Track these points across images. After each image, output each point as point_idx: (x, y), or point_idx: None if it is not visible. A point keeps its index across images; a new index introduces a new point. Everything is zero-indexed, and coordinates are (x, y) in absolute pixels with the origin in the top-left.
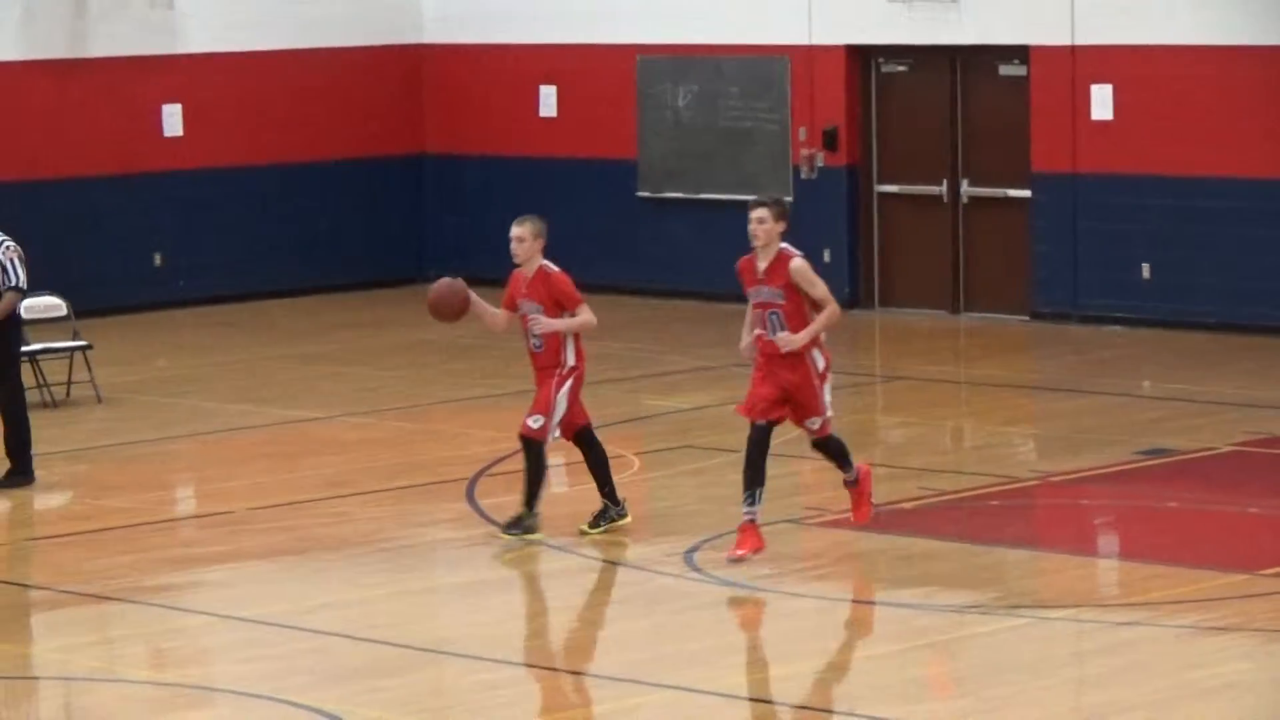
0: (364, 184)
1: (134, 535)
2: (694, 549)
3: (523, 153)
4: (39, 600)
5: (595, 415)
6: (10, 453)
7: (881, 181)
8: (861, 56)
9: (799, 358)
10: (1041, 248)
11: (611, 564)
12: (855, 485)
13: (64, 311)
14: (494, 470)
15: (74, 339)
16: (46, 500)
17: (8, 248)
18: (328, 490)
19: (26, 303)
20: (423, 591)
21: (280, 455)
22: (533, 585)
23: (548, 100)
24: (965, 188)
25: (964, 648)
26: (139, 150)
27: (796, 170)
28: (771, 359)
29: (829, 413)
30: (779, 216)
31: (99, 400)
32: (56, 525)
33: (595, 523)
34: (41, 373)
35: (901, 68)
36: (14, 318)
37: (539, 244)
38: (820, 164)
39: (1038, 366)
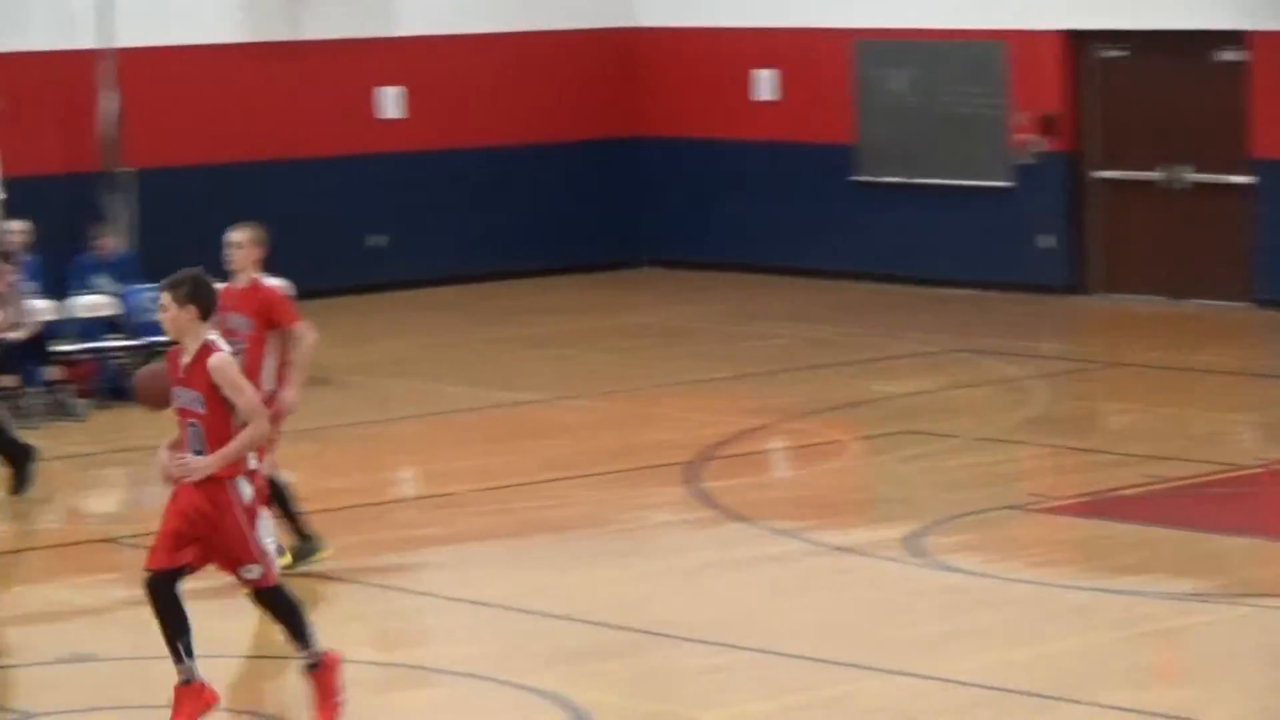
0: (579, 167)
1: (357, 516)
2: (915, 535)
3: (736, 136)
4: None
5: (816, 400)
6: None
7: (1100, 168)
8: (1079, 42)
9: (217, 485)
10: (1265, 234)
11: (834, 549)
12: (315, 671)
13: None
14: (716, 454)
15: None
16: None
17: None
18: (548, 473)
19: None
20: (644, 574)
21: (500, 437)
22: (753, 569)
23: (762, 84)
24: (1185, 174)
25: (1186, 636)
26: (356, 133)
27: (1014, 156)
28: (183, 485)
29: (271, 557)
30: (187, 300)
31: (320, 382)
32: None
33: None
34: None
35: (1119, 53)
36: None
37: (256, 253)
38: (1039, 150)
39: (1260, 353)
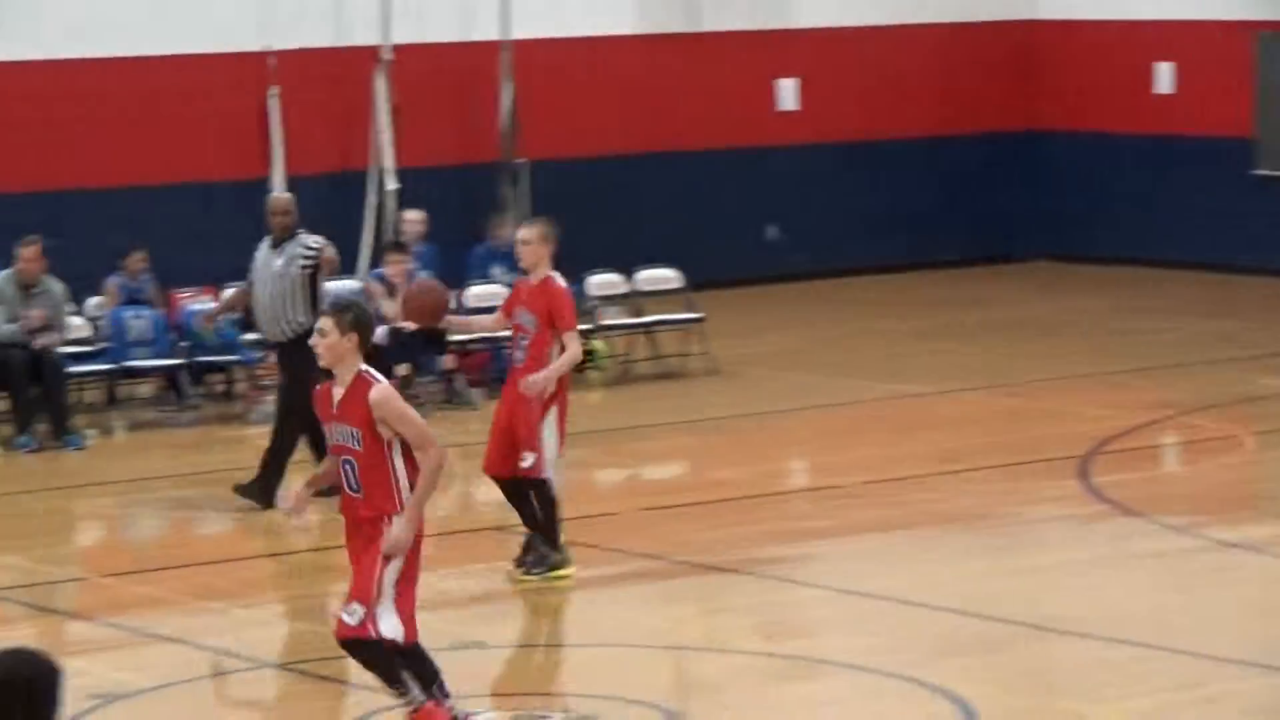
0: (974, 160)
1: (745, 507)
2: None
3: (1132, 130)
4: (651, 570)
5: (1209, 395)
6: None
7: None
8: None
9: (373, 522)
10: None
11: (1225, 545)
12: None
13: (680, 284)
14: (1107, 448)
15: (688, 311)
16: (659, 470)
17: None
18: (936, 466)
19: (644, 274)
20: (1033, 568)
21: (887, 429)
22: (1142, 564)
23: (1162, 77)
24: None
25: None
26: (752, 124)
27: None
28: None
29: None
30: (350, 328)
31: (711, 372)
32: (669, 496)
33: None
34: (656, 345)
35: None
36: None
37: (547, 249)
38: None
39: None
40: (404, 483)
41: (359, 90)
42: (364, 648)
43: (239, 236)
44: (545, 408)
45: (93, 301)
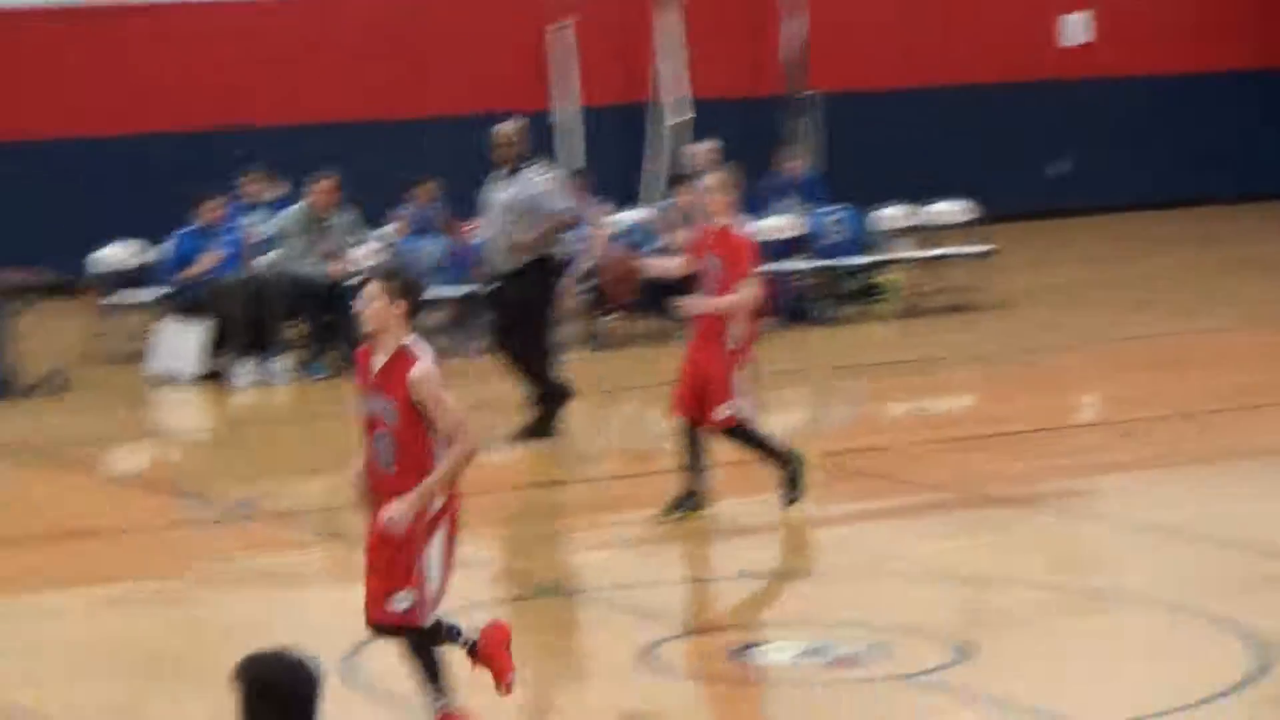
0: (1275, 95)
1: (1034, 440)
2: None
3: None
4: (939, 502)
5: None
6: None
7: None
8: None
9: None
10: None
11: None
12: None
13: (970, 216)
14: None
15: (978, 243)
16: (948, 403)
17: (546, 179)
18: (1222, 401)
19: (934, 207)
20: None
21: (1182, 364)
22: None
23: None
24: None
25: None
26: (1040, 58)
27: None
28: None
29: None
30: (399, 295)
31: (998, 305)
32: (958, 428)
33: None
34: (945, 277)
35: None
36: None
37: (728, 198)
38: None
39: None
40: (445, 452)
41: (643, 24)
42: (421, 636)
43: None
44: (735, 360)
45: (385, 230)
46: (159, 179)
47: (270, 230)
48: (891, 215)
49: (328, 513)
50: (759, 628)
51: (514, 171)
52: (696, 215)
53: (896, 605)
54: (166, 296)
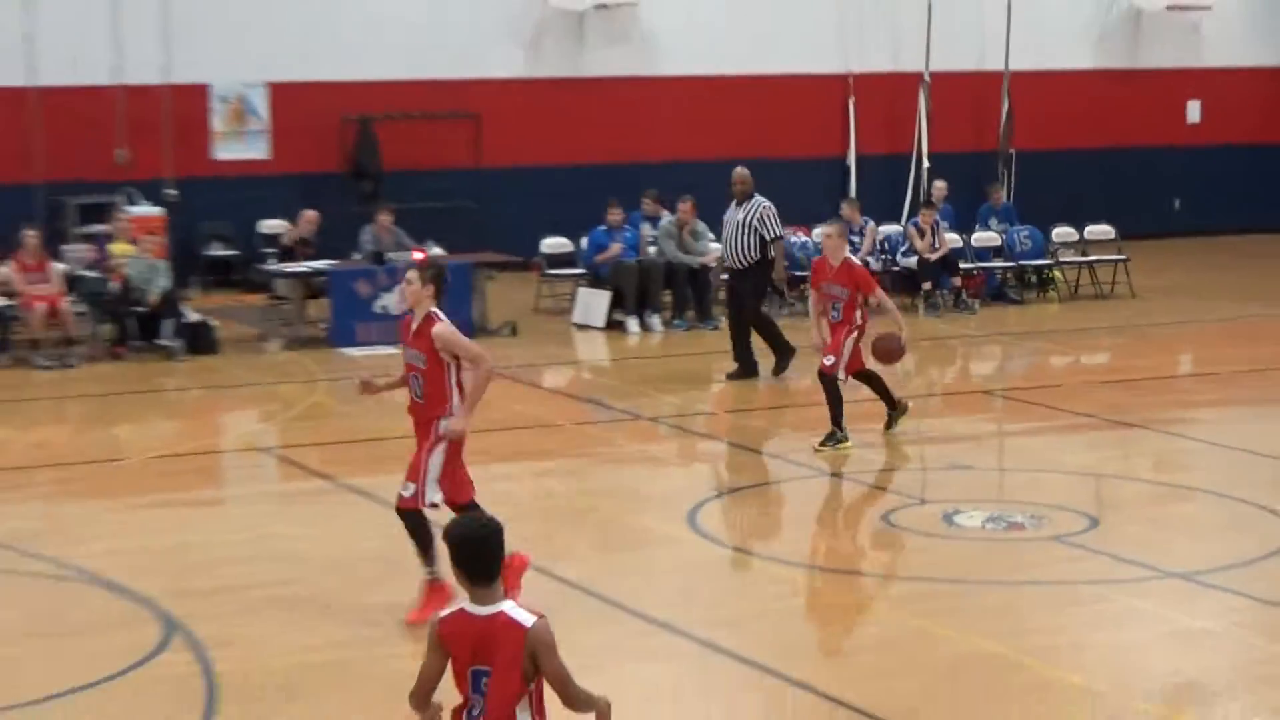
0: None
1: (1150, 384)
2: None
3: None
4: (1084, 424)
5: None
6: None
7: None
8: None
9: (429, 424)
10: None
11: None
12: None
13: (1113, 236)
14: None
15: (1119, 254)
16: (1095, 358)
17: (763, 208)
18: None
19: (1089, 228)
20: None
21: (1252, 337)
22: None
23: None
24: None
25: None
26: (1163, 130)
27: None
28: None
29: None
30: (429, 281)
31: (1132, 295)
32: (1099, 375)
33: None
34: (1095, 275)
35: None
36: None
37: (843, 242)
38: None
39: None
40: (454, 395)
41: (909, 100)
42: (412, 516)
43: (818, 193)
44: (848, 332)
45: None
46: (585, 194)
47: (653, 233)
48: (1061, 232)
49: (681, 417)
50: (960, 502)
51: (743, 201)
52: (934, 231)
53: (1051, 491)
54: (584, 273)
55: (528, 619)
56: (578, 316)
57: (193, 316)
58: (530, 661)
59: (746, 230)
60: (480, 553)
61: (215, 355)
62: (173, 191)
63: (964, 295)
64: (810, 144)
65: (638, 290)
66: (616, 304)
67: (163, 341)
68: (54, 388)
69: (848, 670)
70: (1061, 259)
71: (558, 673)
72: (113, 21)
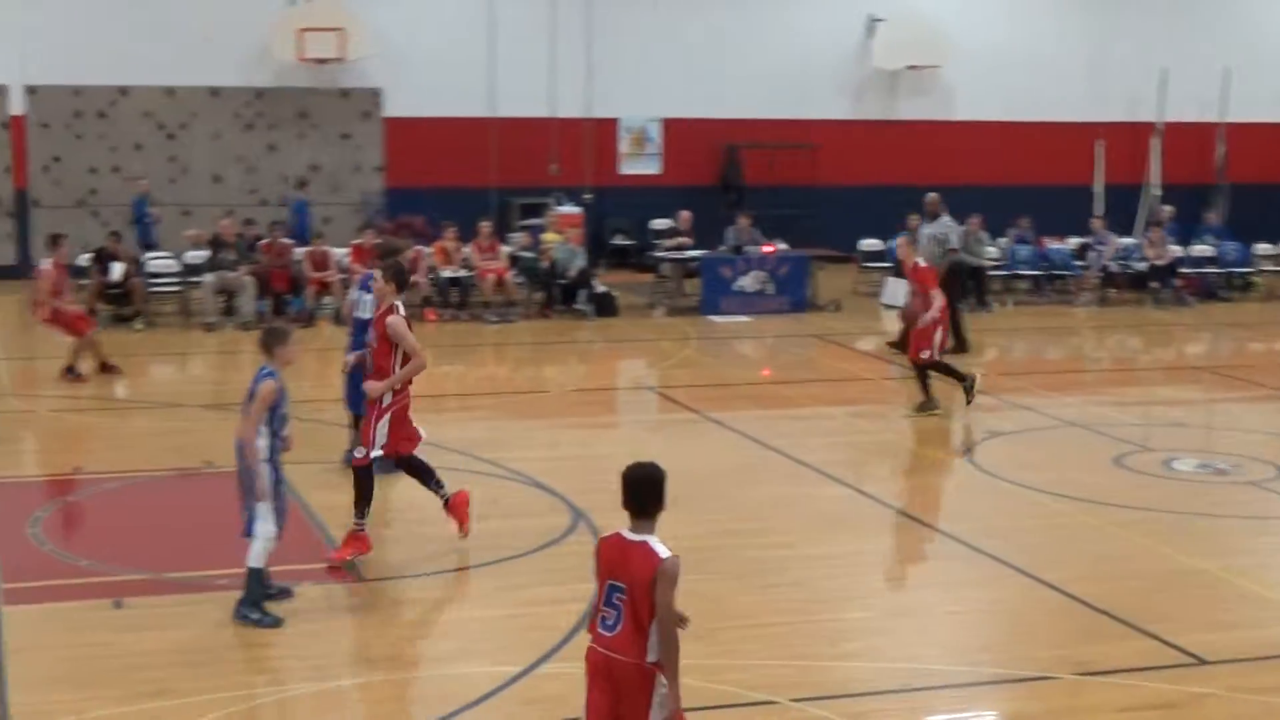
0: None
1: None
2: None
3: None
4: (1271, 395)
5: None
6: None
7: None
8: None
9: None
10: None
11: None
12: (450, 505)
13: None
14: None
15: None
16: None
17: (948, 225)
18: None
19: None
20: None
21: None
22: None
23: None
24: None
25: None
26: None
27: None
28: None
29: (373, 450)
30: (390, 279)
31: None
32: None
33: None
34: None
35: None
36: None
37: (913, 249)
38: None
39: None
40: (396, 369)
41: (1143, 142)
42: (361, 473)
43: (1073, 213)
44: (936, 326)
45: (1001, 240)
46: (894, 207)
47: (940, 232)
48: (1262, 247)
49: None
50: (1176, 451)
51: (934, 219)
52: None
53: (1248, 446)
54: (891, 265)
55: (664, 553)
56: (885, 298)
57: (600, 288)
58: (653, 586)
59: (934, 243)
60: (643, 492)
61: (615, 317)
62: (589, 196)
63: (1183, 294)
64: (1066, 174)
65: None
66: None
67: (578, 306)
68: (498, 336)
69: (1085, 574)
70: (1262, 267)
71: (666, 603)
72: (551, 71)
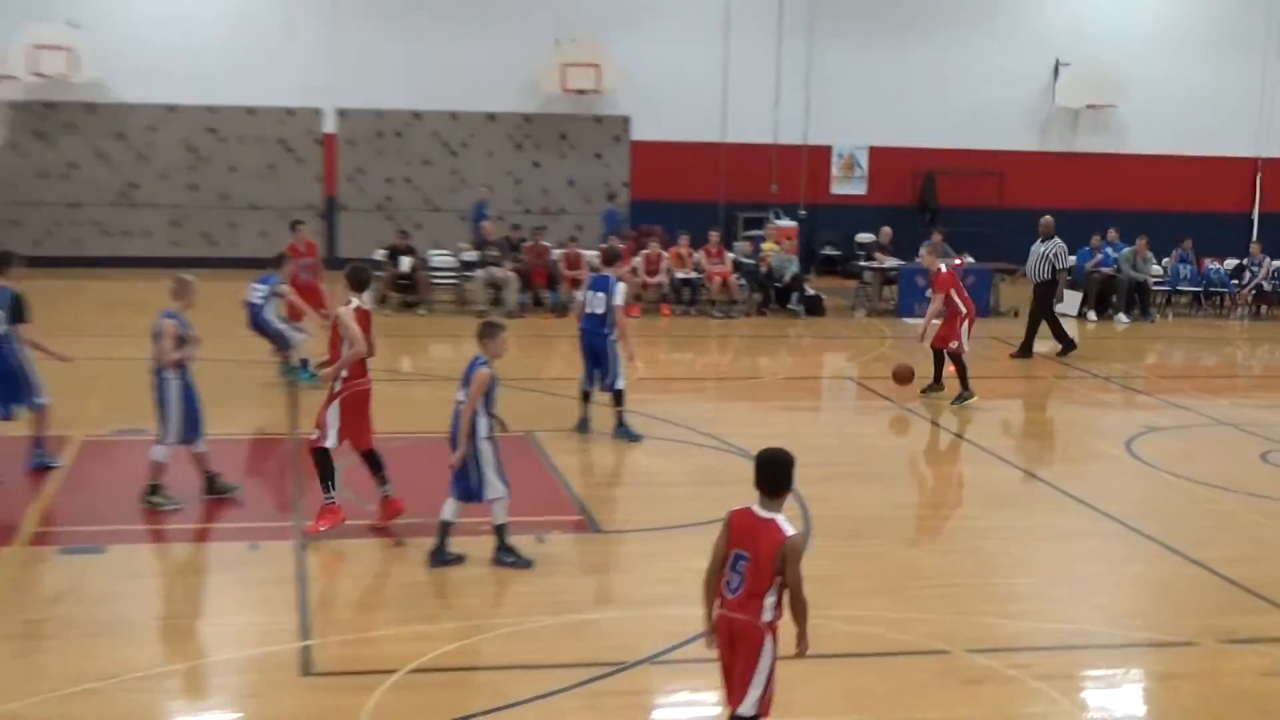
0: None
1: None
2: None
3: None
4: None
5: None
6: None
7: None
8: None
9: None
10: None
11: None
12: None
13: None
14: None
15: None
16: None
17: (1058, 246)
18: None
19: None
20: None
21: None
22: None
23: None
24: None
25: None
26: None
27: None
28: None
29: (327, 435)
30: (351, 285)
31: None
32: None
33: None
34: None
35: None
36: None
37: (935, 256)
38: None
39: None
40: (342, 355)
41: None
42: (319, 454)
43: (1231, 238)
44: (960, 321)
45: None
46: (1074, 228)
47: (1115, 255)
48: None
49: (1125, 377)
50: None
51: (1047, 239)
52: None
53: None
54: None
55: (791, 530)
56: (1060, 307)
57: (810, 291)
58: (781, 562)
59: (1043, 259)
60: (772, 473)
61: (822, 317)
62: (803, 212)
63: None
64: (1226, 203)
65: (1099, 292)
66: (1085, 300)
67: (790, 306)
68: (721, 330)
69: (1230, 555)
70: None
71: (796, 577)
72: (774, 103)
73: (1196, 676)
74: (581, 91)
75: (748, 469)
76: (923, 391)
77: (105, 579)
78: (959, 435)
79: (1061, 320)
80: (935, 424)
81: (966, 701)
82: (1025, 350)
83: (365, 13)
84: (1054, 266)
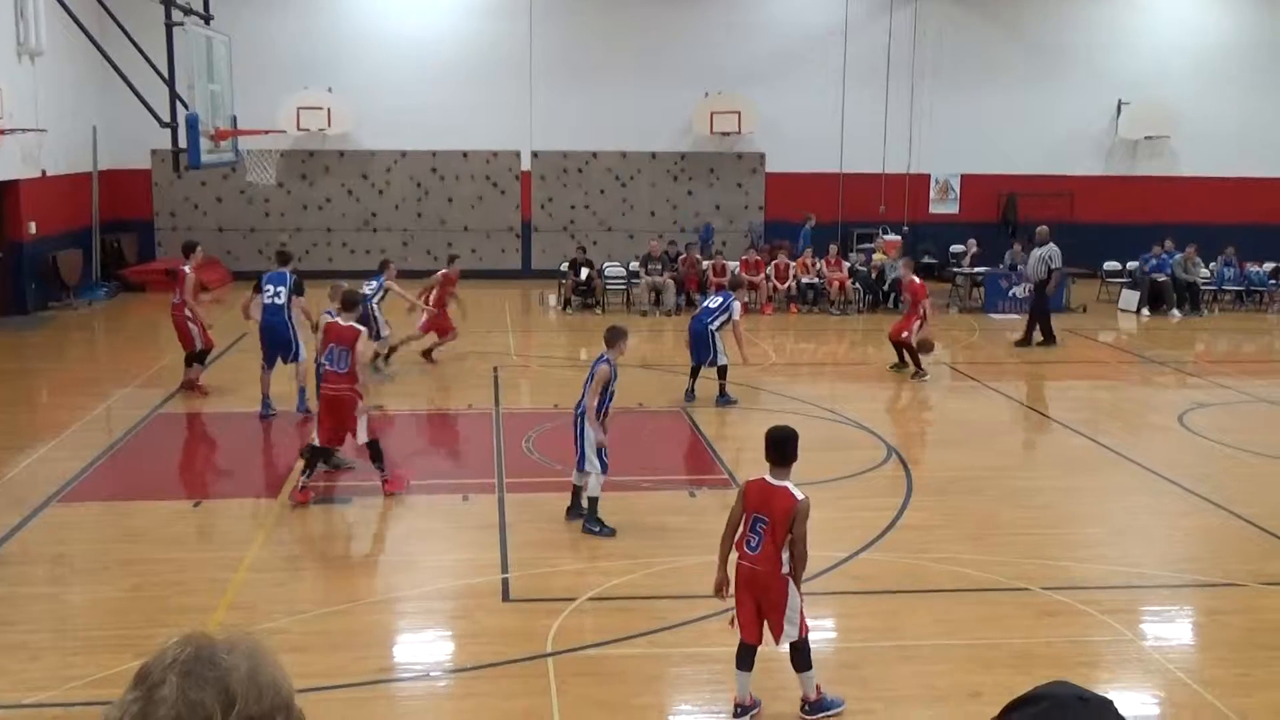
0: None
1: None
2: None
3: None
4: None
5: None
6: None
7: None
8: None
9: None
10: None
11: None
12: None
13: None
14: None
15: None
16: None
17: (1052, 250)
18: None
19: None
20: None
21: None
22: None
23: None
24: None
25: None
26: None
27: None
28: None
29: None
30: (342, 306)
31: None
32: None
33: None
34: None
35: None
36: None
37: (911, 269)
38: None
39: None
40: (357, 371)
41: None
42: (319, 452)
43: (1274, 246)
44: (916, 320)
45: (1211, 264)
46: (1134, 240)
47: (1169, 260)
48: None
49: (1176, 363)
50: None
51: (1043, 244)
52: None
53: None
54: (1129, 280)
55: (801, 496)
56: (1121, 304)
57: None
58: (792, 521)
59: (1040, 262)
60: (782, 447)
61: None
62: (906, 228)
63: None
64: (1266, 216)
65: (1151, 293)
66: (1141, 300)
67: (892, 305)
68: (838, 324)
69: (1270, 512)
70: None
71: (802, 532)
72: (882, 139)
73: (1241, 612)
74: (726, 133)
75: (858, 436)
76: (891, 367)
77: (349, 523)
78: (1033, 408)
79: (1119, 314)
80: (1015, 400)
81: (1045, 630)
82: (1025, 340)
83: (552, 74)
84: (1049, 267)
